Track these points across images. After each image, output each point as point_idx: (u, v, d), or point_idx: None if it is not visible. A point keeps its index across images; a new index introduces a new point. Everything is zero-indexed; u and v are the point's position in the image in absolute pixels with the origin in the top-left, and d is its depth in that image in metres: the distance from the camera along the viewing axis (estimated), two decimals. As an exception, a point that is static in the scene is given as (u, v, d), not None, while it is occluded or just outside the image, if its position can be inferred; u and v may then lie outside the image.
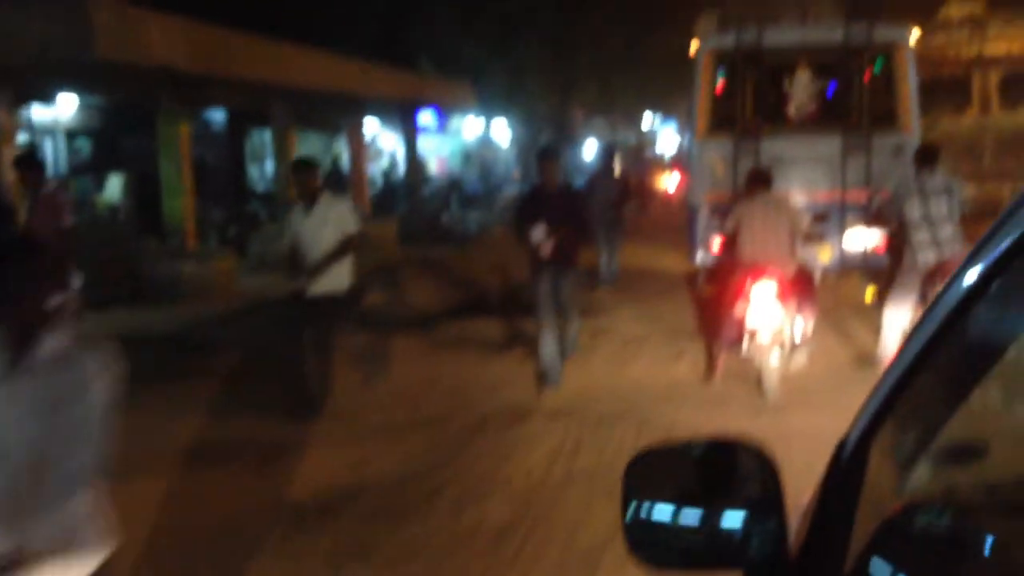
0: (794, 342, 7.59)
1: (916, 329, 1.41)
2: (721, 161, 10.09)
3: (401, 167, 28.13)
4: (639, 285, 12.95)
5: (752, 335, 7.33)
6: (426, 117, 31.00)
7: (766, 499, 1.46)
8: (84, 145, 18.01)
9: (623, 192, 13.04)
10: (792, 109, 10.19)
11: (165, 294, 12.41)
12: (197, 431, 6.92)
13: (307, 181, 7.27)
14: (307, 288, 7.16)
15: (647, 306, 11.51)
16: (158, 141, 12.76)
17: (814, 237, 7.98)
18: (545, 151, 8.53)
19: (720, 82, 10.36)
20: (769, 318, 7.24)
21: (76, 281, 8.37)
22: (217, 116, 21.63)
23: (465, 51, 26.56)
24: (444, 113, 31.09)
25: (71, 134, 17.79)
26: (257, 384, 8.12)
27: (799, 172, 9.71)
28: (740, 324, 7.44)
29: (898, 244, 8.14)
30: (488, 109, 30.68)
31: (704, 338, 9.05)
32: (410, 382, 8.16)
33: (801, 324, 7.67)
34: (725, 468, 1.56)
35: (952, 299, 1.32)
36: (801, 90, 10.17)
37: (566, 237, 7.69)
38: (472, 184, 31.39)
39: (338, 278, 7.19)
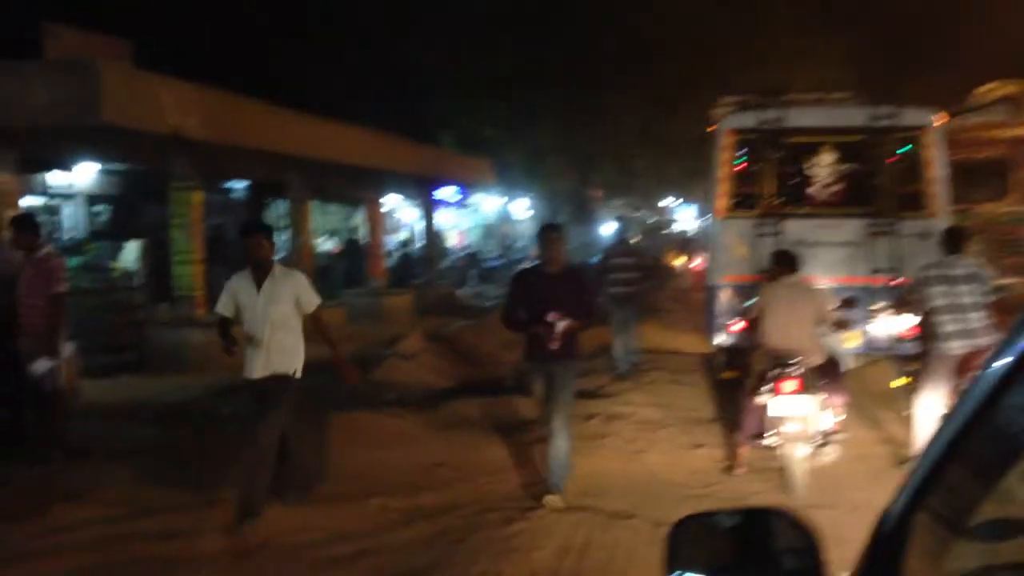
0: (822, 435, 7.09)
1: (955, 408, 1.46)
2: (741, 242, 9.83)
3: (420, 240, 27.96)
4: (655, 366, 12.43)
5: (777, 426, 6.87)
6: (447, 192, 31.01)
7: (808, 571, 1.45)
8: (104, 211, 17.80)
9: (641, 269, 12.10)
10: (814, 191, 9.88)
11: (171, 363, 12.01)
12: (168, 518, 6.37)
13: (257, 247, 6.24)
14: (252, 370, 6.35)
15: (663, 389, 11.00)
16: (170, 208, 12.46)
17: (842, 324, 7.64)
18: (548, 226, 7.18)
19: (739, 161, 10.04)
20: (795, 409, 6.79)
21: (68, 349, 7.98)
22: (239, 185, 21.52)
23: (484, 130, 26.53)
24: (465, 188, 31.08)
25: (92, 199, 17.62)
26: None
27: (821, 255, 9.34)
28: (763, 414, 7.00)
29: (927, 331, 7.74)
30: (508, 186, 30.60)
31: (725, 427, 8.56)
32: (412, 465, 7.64)
33: (829, 415, 7.20)
34: (767, 537, 1.55)
35: (985, 387, 1.35)
36: (824, 172, 9.87)
37: (570, 328, 6.50)
38: (491, 258, 31.14)
39: (289, 358, 6.35)
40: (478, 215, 35.24)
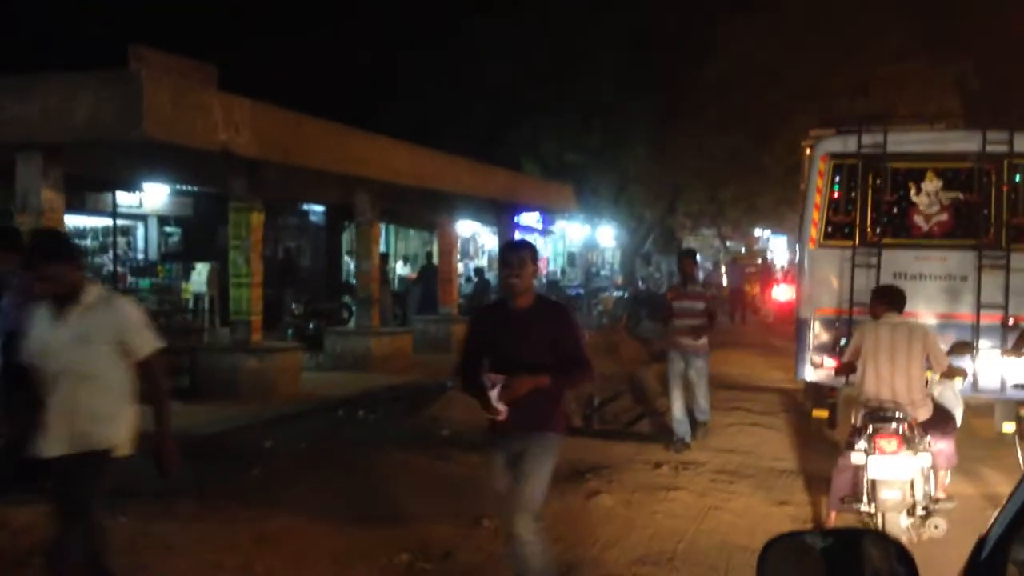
0: (927, 503, 6.03)
1: None
2: (835, 273, 9.14)
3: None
4: (734, 405, 11.33)
5: (874, 491, 5.87)
6: (529, 218, 30.29)
7: None
8: (175, 232, 17.53)
9: (708, 309, 9.67)
10: (918, 220, 9.05)
11: (221, 390, 11.40)
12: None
13: (54, 269, 4.17)
14: (43, 443, 4.17)
15: (743, 432, 9.94)
16: (228, 229, 11.90)
17: (956, 372, 6.57)
18: (509, 244, 5.45)
19: (836, 188, 9.32)
20: (896, 471, 5.81)
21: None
22: (316, 208, 21.11)
23: (569, 155, 25.66)
24: (547, 215, 30.35)
25: (163, 221, 17.37)
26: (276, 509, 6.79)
27: (923, 289, 8.69)
28: (858, 475, 6.03)
29: None
30: (594, 213, 29.66)
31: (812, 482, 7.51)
32: (452, 516, 6.70)
33: (936, 479, 6.21)
34: (859, 560, 1.54)
35: None
36: (928, 200, 9.03)
37: (540, 388, 4.58)
38: (573, 286, 30.21)
39: (103, 425, 4.21)
40: (562, 243, 34.45)
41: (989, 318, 8.58)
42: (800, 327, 9.51)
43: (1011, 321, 8.40)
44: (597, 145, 25.27)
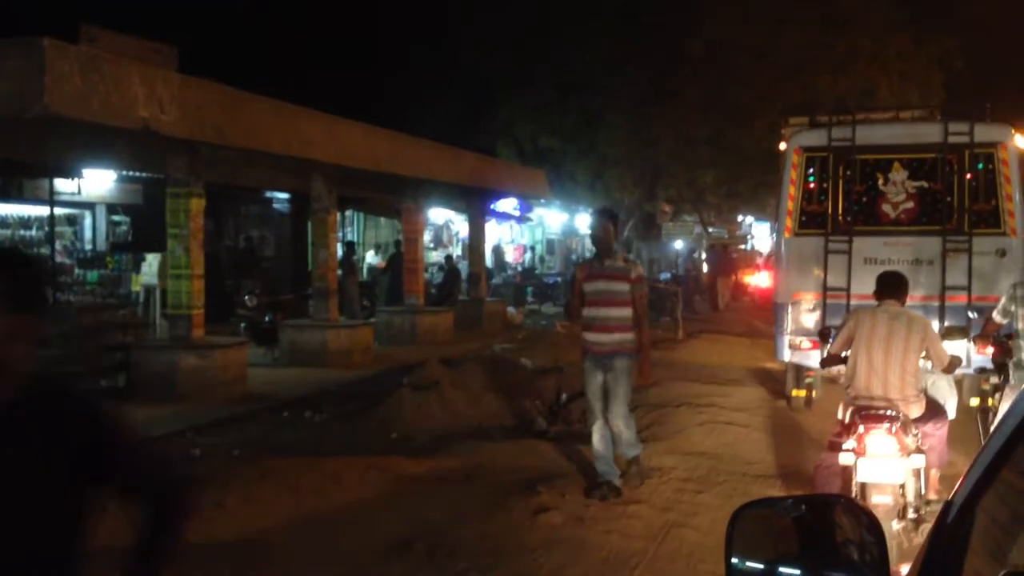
0: (919, 503, 5.35)
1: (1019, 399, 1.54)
2: (810, 260, 9.61)
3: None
4: (707, 401, 10.52)
5: (864, 493, 5.24)
6: (506, 205, 29.43)
7: (870, 561, 1.44)
8: (124, 221, 16.55)
9: (637, 295, 6.90)
10: (886, 208, 9.52)
11: (158, 389, 10.51)
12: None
13: None
14: None
15: (715, 431, 9.11)
16: (166, 217, 10.99)
17: (954, 364, 5.93)
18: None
19: (809, 180, 9.78)
20: (888, 475, 5.24)
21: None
22: (281, 196, 20.14)
23: (544, 140, 24.77)
24: (523, 202, 29.52)
25: (111, 209, 16.40)
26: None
27: None
28: (845, 475, 5.35)
29: (1006, 351, 6.86)
30: (571, 200, 28.80)
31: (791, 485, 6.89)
32: (376, 538, 5.86)
33: (927, 479, 5.51)
34: (828, 526, 1.54)
35: None
36: (895, 189, 9.50)
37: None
38: (550, 275, 29.37)
39: None
40: (540, 230, 33.56)
41: (954, 299, 9.07)
42: (778, 311, 9.94)
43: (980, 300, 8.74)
44: (573, 128, 24.39)
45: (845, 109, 10.66)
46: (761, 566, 1.48)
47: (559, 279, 27.77)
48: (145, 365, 10.76)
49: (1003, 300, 6.94)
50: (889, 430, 5.26)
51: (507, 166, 19.10)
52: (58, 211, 15.81)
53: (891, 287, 5.93)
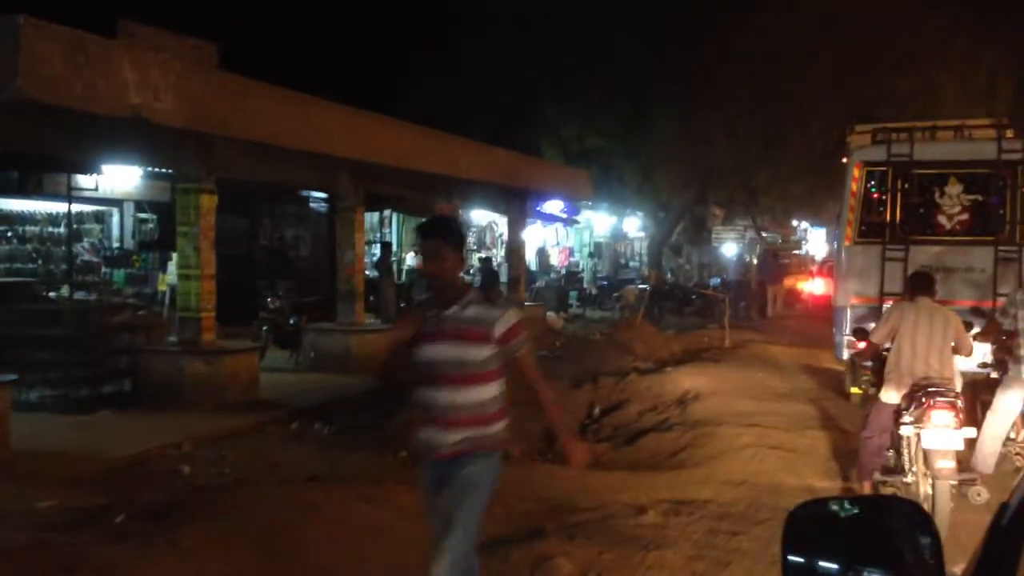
0: (969, 472, 6.50)
1: None
2: (868, 266, 10.16)
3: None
4: (750, 420, 9.46)
5: (927, 460, 6.02)
6: (552, 207, 28.52)
7: (926, 561, 1.43)
8: (151, 219, 15.94)
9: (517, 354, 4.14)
10: (941, 220, 10.13)
11: (165, 396, 9.78)
12: None
13: None
14: None
15: (758, 456, 8.06)
16: (176, 214, 10.26)
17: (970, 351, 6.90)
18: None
19: (870, 191, 10.39)
20: (952, 441, 5.99)
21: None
22: (319, 195, 19.41)
23: (591, 139, 23.75)
24: (571, 205, 28.61)
25: (139, 206, 15.80)
26: None
27: (947, 281, 9.50)
28: (898, 445, 6.49)
29: (1001, 356, 7.68)
30: (619, 202, 27.74)
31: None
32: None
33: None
34: (886, 527, 1.51)
35: None
36: (951, 202, 10.10)
37: None
38: (598, 278, 28.32)
39: None
40: (588, 233, 32.51)
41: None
42: (838, 314, 10.73)
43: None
44: (621, 127, 23.30)
45: (904, 128, 10.90)
46: (817, 565, 1.44)
47: (607, 282, 26.73)
48: (152, 370, 10.03)
49: (1005, 304, 7.65)
50: (953, 403, 6.00)
51: (548, 165, 18.10)
52: (85, 208, 15.29)
53: (925, 285, 6.79)
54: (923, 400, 6.04)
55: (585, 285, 26.00)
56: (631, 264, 33.78)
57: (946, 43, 20.93)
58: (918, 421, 6.04)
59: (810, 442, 8.76)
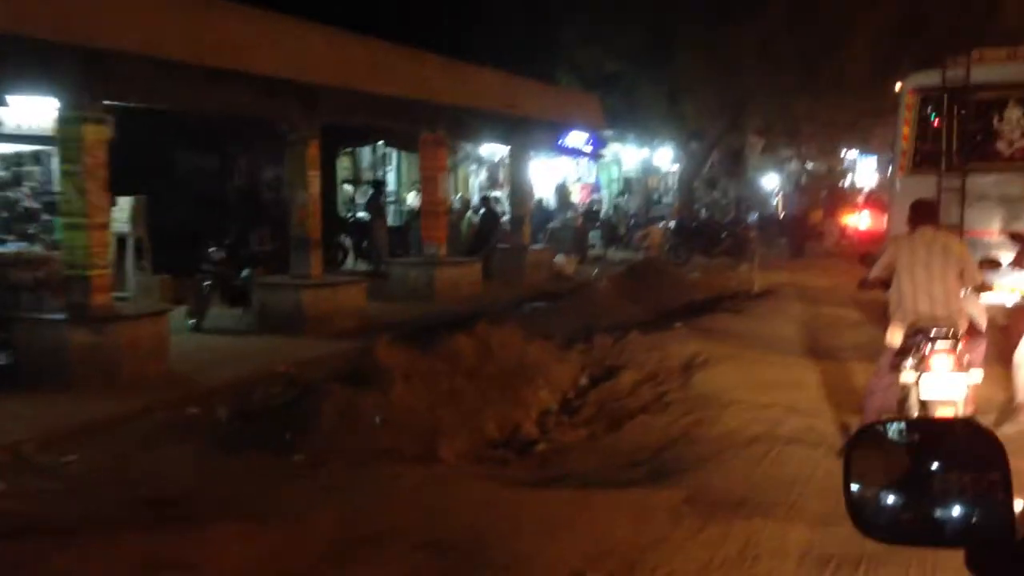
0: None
1: None
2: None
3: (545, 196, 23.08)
4: (767, 398, 7.28)
5: (925, 409, 5.47)
6: (575, 140, 26.18)
7: (993, 480, 1.41)
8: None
9: None
10: (1001, 147, 9.44)
11: (48, 373, 7.87)
12: None
13: None
14: None
15: (769, 456, 5.91)
16: (58, 150, 8.26)
17: (985, 287, 6.18)
18: None
19: (925, 119, 9.83)
20: (951, 390, 5.44)
21: None
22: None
23: (609, 65, 21.20)
24: (597, 137, 26.27)
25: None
26: None
27: (1007, 210, 9.10)
28: (902, 393, 5.68)
29: None
30: (645, 132, 25.22)
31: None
32: None
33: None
34: (951, 447, 1.51)
35: None
36: (1011, 127, 9.39)
37: None
38: (628, 215, 25.91)
39: None
40: (617, 168, 30.00)
41: None
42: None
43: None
44: (642, 49, 20.70)
45: (960, 46, 9.87)
46: (880, 493, 1.41)
47: (633, 220, 24.33)
48: (33, 340, 8.12)
49: None
50: (950, 349, 5.48)
51: (550, 89, 15.59)
52: (23, 148, 13.32)
53: (926, 214, 6.15)
54: (921, 344, 5.58)
55: (610, 221, 23.60)
56: (663, 200, 31.19)
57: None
58: (917, 366, 5.58)
59: (841, 428, 6.58)
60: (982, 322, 6.40)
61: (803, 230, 22.37)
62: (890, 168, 10.85)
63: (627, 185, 30.33)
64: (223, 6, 9.14)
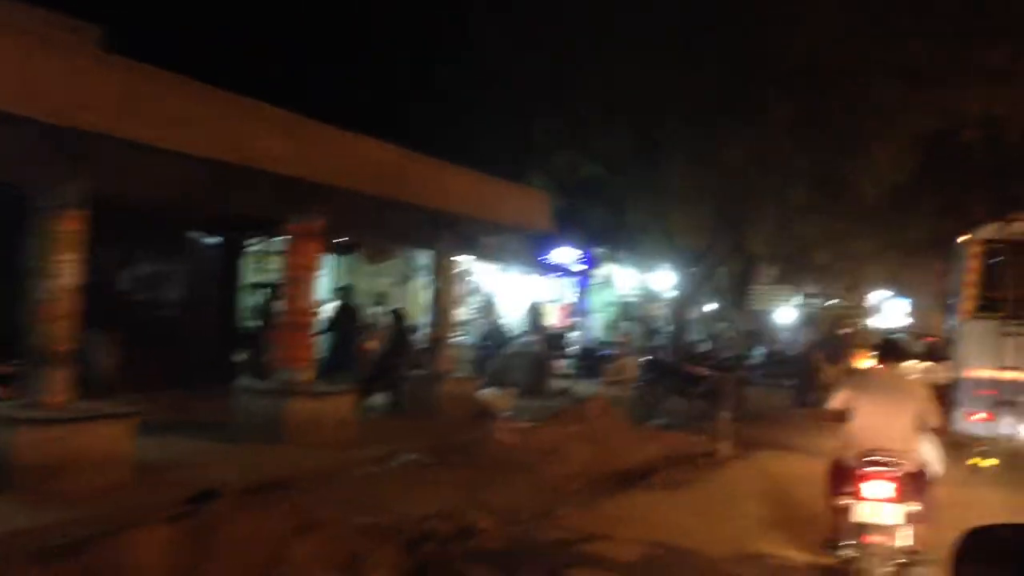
0: (906, 553, 5.46)
1: None
2: (985, 340, 10.21)
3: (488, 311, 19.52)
4: None
5: (857, 535, 5.49)
6: (563, 257, 22.99)
7: None
8: None
9: None
10: None
11: None
12: None
13: None
14: None
15: None
16: None
17: (942, 429, 6.17)
18: None
19: (990, 268, 10.37)
20: (884, 517, 5.45)
21: None
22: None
23: (586, 169, 17.90)
24: (589, 254, 23.08)
25: None
26: None
27: None
28: (841, 518, 5.65)
29: None
30: (637, 251, 21.80)
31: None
32: None
33: (911, 532, 5.53)
34: None
35: None
36: None
37: None
38: (596, 344, 22.23)
39: None
40: (608, 292, 26.42)
41: None
42: (955, 385, 10.69)
43: None
44: (624, 152, 17.36)
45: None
46: None
47: (610, 351, 20.52)
48: None
49: None
50: (889, 476, 5.46)
51: (475, 178, 11.83)
52: None
53: (891, 352, 6.23)
54: (862, 469, 5.56)
55: (578, 349, 19.99)
56: (666, 329, 27.31)
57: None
58: (855, 492, 5.55)
59: None
60: (937, 468, 6.28)
61: (811, 374, 18.42)
62: (949, 312, 12.00)
63: (624, 310, 26.67)
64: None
